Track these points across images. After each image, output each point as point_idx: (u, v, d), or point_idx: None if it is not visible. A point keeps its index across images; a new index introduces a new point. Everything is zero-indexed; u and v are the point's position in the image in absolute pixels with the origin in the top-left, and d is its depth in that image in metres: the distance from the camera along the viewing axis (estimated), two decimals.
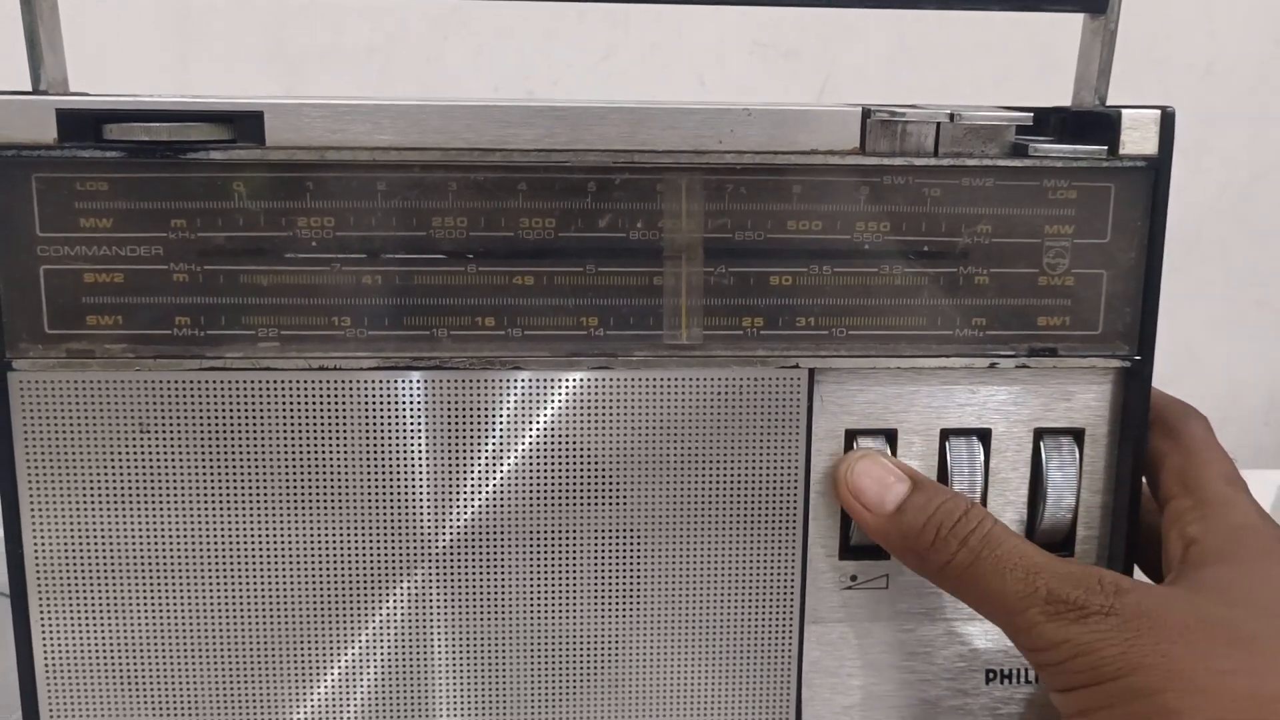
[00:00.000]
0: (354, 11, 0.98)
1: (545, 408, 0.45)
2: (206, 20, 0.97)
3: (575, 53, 0.99)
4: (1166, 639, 0.39)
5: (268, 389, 0.44)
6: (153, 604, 0.45)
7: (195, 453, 0.44)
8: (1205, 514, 0.44)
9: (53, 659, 0.45)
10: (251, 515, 0.44)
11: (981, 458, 0.46)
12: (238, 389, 0.44)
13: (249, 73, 0.98)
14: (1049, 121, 0.49)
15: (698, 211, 0.44)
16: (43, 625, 0.45)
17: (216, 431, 0.44)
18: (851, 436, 0.46)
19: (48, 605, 0.45)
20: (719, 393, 0.45)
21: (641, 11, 0.97)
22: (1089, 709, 0.40)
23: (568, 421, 0.45)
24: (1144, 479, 0.48)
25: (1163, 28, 1.01)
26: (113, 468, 0.44)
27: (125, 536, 0.44)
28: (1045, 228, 0.45)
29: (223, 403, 0.44)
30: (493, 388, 0.44)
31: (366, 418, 0.44)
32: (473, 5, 0.97)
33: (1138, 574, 0.48)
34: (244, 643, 0.45)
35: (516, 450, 0.45)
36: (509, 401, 0.45)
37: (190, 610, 0.45)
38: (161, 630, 0.45)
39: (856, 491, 0.45)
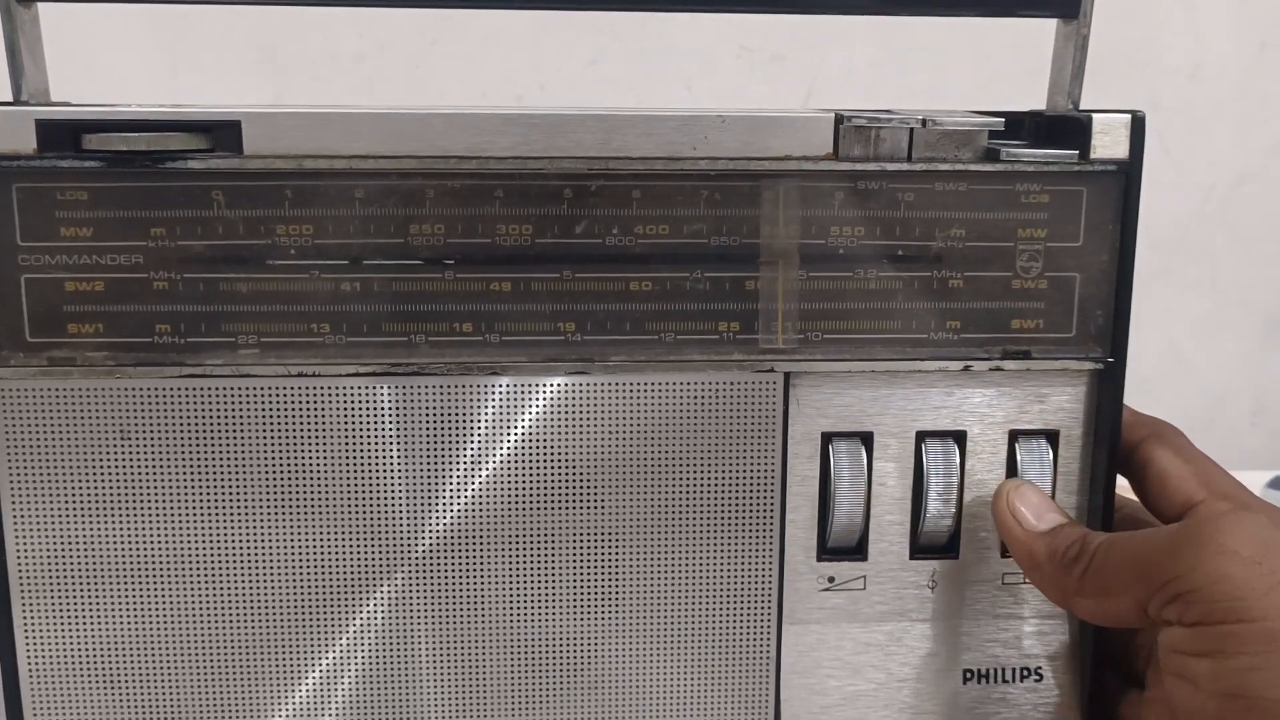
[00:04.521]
0: (343, 19, 0.98)
1: (523, 412, 0.45)
2: (197, 30, 0.98)
3: (562, 58, 0.99)
4: None
5: (248, 396, 0.44)
6: (135, 609, 0.45)
7: (176, 459, 0.44)
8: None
9: (36, 663, 0.45)
10: (232, 521, 0.45)
11: (957, 460, 0.47)
12: (218, 396, 0.44)
13: (239, 82, 0.98)
14: (1023, 125, 0.49)
15: (680, 217, 0.44)
16: (26, 630, 0.45)
17: (197, 438, 0.44)
18: (827, 439, 0.46)
19: (31, 610, 0.45)
20: (695, 397, 0.45)
21: (628, 17, 0.98)
22: (1219, 650, 0.39)
23: (545, 426, 0.45)
24: (1128, 480, 0.48)
25: (1148, 32, 1.02)
26: (94, 474, 0.44)
27: (107, 542, 0.45)
28: (1018, 231, 0.45)
29: (203, 410, 0.44)
30: (471, 393, 0.45)
31: (346, 424, 0.45)
32: (460, 12, 0.97)
33: None
34: (226, 647, 0.46)
35: (495, 455, 0.45)
36: (487, 407, 0.45)
37: (172, 615, 0.45)
38: (144, 634, 0.45)
39: (1014, 507, 0.46)
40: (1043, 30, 0.49)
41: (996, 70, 0.98)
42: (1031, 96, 0.52)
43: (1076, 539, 0.44)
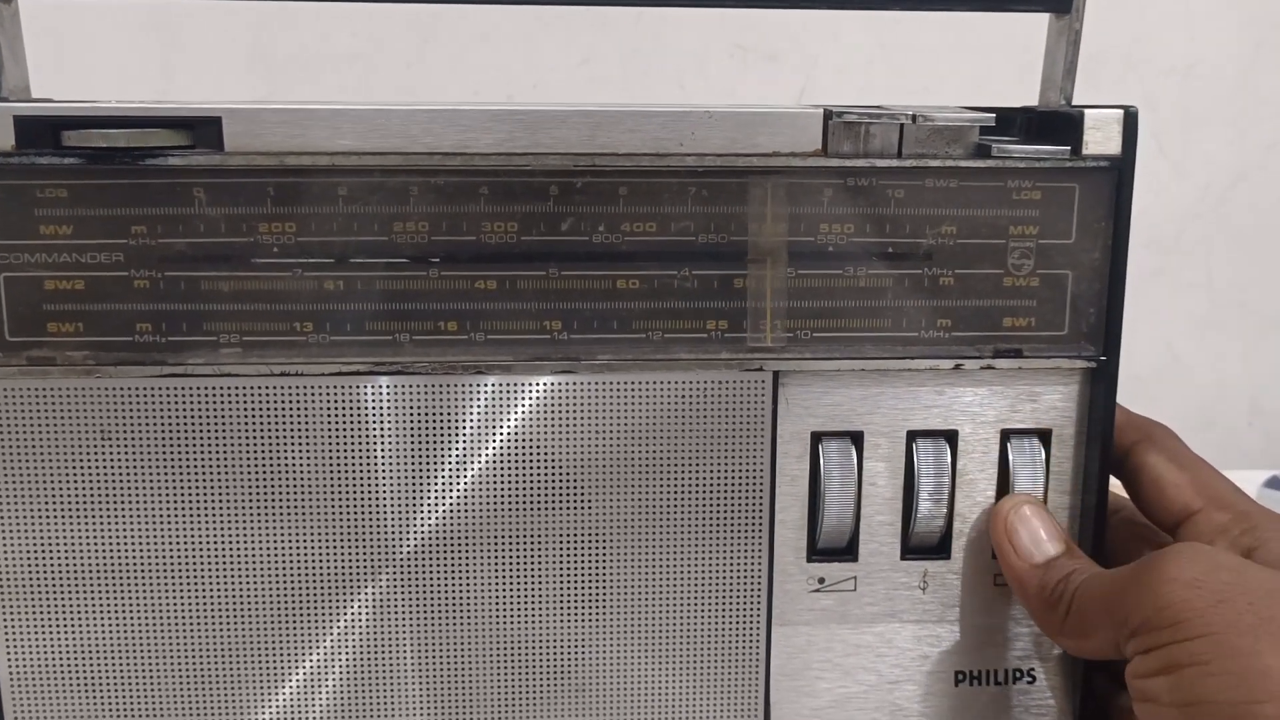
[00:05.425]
0: (336, 18, 0.98)
1: (509, 412, 0.45)
2: (190, 30, 0.97)
3: (556, 57, 0.99)
4: (1260, 602, 0.39)
5: (230, 395, 0.44)
6: (116, 611, 0.45)
7: (157, 459, 0.44)
8: (1255, 525, 0.44)
9: (16, 666, 0.45)
10: (214, 522, 0.44)
11: (948, 459, 0.46)
12: (199, 395, 0.43)
13: (232, 81, 0.98)
14: (1015, 122, 0.49)
15: (668, 215, 0.44)
16: (5, 632, 0.45)
17: (179, 438, 0.44)
18: (817, 439, 0.46)
19: (10, 612, 0.45)
20: (683, 396, 0.45)
21: (621, 15, 0.97)
22: (1172, 666, 0.39)
23: (532, 426, 0.45)
24: (1122, 485, 0.48)
25: (1143, 30, 1.01)
26: (75, 475, 0.44)
27: (88, 543, 0.44)
28: (1010, 228, 0.45)
29: (184, 409, 0.44)
30: (456, 392, 0.44)
31: (329, 424, 0.44)
32: (453, 10, 0.97)
33: None
34: (208, 649, 0.45)
35: (481, 455, 0.45)
36: (472, 406, 0.44)
37: (154, 617, 0.45)
38: (125, 637, 0.45)
39: (1011, 533, 0.45)
40: (1036, 28, 0.49)
41: (990, 69, 0.98)
42: (1026, 94, 0.51)
43: (1063, 577, 0.44)
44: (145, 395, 0.43)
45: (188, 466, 0.44)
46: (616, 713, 0.47)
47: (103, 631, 0.45)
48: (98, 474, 0.44)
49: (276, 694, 0.46)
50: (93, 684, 0.45)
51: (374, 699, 0.46)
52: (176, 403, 0.43)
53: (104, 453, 0.44)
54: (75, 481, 0.44)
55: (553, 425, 0.45)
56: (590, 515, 0.45)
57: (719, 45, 0.99)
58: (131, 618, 0.45)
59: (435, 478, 0.45)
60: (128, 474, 0.44)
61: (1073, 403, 0.47)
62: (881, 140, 0.44)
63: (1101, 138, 0.44)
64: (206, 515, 0.44)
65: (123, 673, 0.45)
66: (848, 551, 0.47)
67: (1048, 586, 0.44)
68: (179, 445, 0.44)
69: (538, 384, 0.45)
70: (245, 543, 0.45)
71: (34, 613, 0.45)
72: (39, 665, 0.45)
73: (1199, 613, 0.39)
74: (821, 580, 0.47)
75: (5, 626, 0.45)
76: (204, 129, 0.42)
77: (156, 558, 0.44)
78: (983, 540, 0.47)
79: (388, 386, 0.44)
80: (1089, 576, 0.43)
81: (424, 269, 0.44)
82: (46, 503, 0.44)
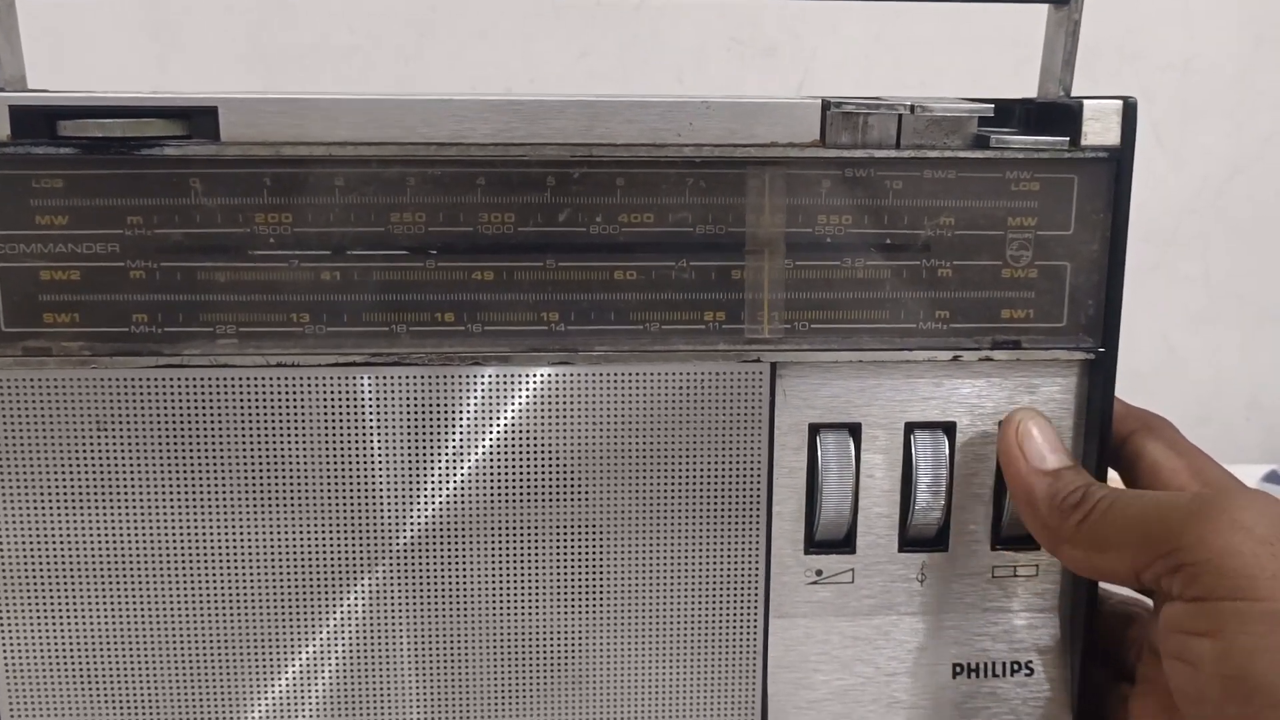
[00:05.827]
0: (333, 14, 0.98)
1: (506, 403, 0.44)
2: (187, 24, 0.97)
3: (553, 51, 0.99)
4: None
5: (226, 386, 0.43)
6: (112, 602, 0.45)
7: (153, 451, 0.44)
8: None
9: (13, 659, 0.45)
10: (211, 513, 0.44)
11: (946, 451, 0.46)
12: (196, 386, 0.43)
13: (229, 75, 0.98)
14: (1014, 113, 0.49)
15: (665, 206, 0.44)
16: (2, 625, 0.44)
17: (175, 429, 0.44)
18: (815, 431, 0.46)
19: (6, 605, 0.44)
20: (680, 387, 0.45)
21: (619, 9, 0.97)
22: (1222, 629, 0.37)
23: (529, 417, 0.45)
24: (1119, 474, 0.48)
25: (1142, 24, 1.01)
26: (70, 466, 0.44)
27: (84, 535, 0.44)
28: (1008, 220, 0.45)
29: (181, 400, 0.43)
30: (452, 384, 0.44)
31: (326, 415, 0.44)
32: (451, 5, 0.96)
33: None
34: (205, 641, 0.45)
35: (478, 447, 0.45)
36: (469, 397, 0.44)
37: (150, 608, 0.45)
38: (121, 628, 0.45)
39: (1023, 439, 0.45)
40: (1033, 21, 0.49)
41: (988, 62, 0.97)
42: (1024, 87, 0.51)
43: (1080, 486, 0.43)
44: (141, 386, 0.43)
45: (184, 458, 0.44)
46: (613, 704, 0.47)
47: (98, 622, 0.45)
48: (93, 465, 0.44)
49: (273, 684, 0.46)
50: (88, 674, 0.45)
51: (371, 689, 0.46)
52: (173, 394, 0.43)
53: (100, 444, 0.44)
54: (71, 472, 0.44)
55: (550, 417, 0.45)
56: (587, 507, 0.45)
57: (717, 39, 0.99)
58: (127, 609, 0.45)
59: (432, 469, 0.45)
60: (124, 465, 0.44)
61: (1071, 394, 0.47)
62: (879, 131, 0.44)
63: (1100, 128, 0.44)
64: (203, 506, 0.44)
65: (118, 663, 0.45)
66: (845, 544, 0.47)
67: (1060, 493, 0.43)
68: (175, 437, 0.44)
69: (535, 375, 0.44)
70: (242, 534, 0.44)
71: (30, 604, 0.44)
72: (34, 656, 0.45)
73: (1267, 575, 0.37)
74: (819, 572, 0.47)
75: (2, 620, 0.44)
76: (200, 119, 0.42)
77: (152, 549, 0.44)
78: (981, 532, 0.47)
79: (385, 378, 0.44)
80: (1118, 491, 0.43)
81: (421, 260, 0.43)
82: (42, 494, 0.44)
